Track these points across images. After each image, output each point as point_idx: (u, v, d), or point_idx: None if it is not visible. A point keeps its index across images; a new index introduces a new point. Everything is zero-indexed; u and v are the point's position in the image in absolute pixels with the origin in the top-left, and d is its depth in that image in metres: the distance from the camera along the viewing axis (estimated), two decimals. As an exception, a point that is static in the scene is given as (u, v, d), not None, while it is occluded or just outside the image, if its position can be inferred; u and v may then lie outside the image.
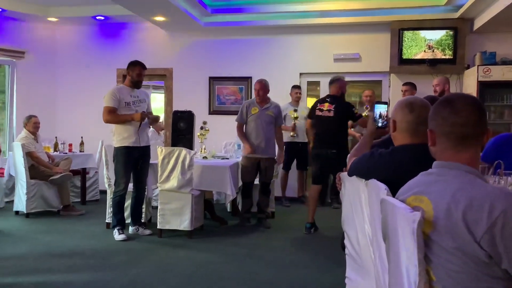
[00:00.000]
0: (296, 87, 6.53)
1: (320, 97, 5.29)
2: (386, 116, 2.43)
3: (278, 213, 5.67)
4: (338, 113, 4.74)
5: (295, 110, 6.28)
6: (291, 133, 6.23)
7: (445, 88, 5.13)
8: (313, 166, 5.04)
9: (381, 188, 1.72)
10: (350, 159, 2.30)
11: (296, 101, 6.48)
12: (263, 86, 5.08)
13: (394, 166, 1.83)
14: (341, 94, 4.92)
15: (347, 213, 2.43)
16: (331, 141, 4.72)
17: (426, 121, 1.49)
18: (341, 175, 2.45)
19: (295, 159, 6.53)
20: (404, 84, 5.78)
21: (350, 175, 2.16)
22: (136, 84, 4.59)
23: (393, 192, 1.66)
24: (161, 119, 8.15)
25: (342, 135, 4.83)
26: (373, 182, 1.86)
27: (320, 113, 4.83)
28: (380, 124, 2.41)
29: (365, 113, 5.61)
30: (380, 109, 2.44)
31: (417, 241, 1.25)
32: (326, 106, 4.82)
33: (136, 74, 4.55)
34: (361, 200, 2.10)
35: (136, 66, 4.56)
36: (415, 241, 1.26)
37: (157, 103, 10.56)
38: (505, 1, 5.04)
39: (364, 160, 2.00)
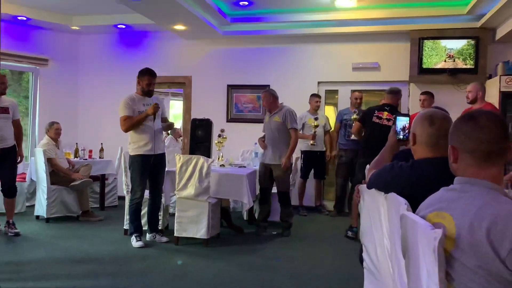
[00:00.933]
0: (316, 96, 6.51)
1: (376, 105, 5.20)
2: (408, 129, 2.40)
3: (295, 222, 5.63)
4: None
5: (316, 118, 6.26)
6: (311, 142, 6.20)
7: (478, 95, 4.73)
8: (359, 175, 4.77)
9: (401, 203, 1.70)
10: (369, 171, 2.27)
11: (315, 109, 6.45)
12: (265, 96, 5.14)
13: (415, 180, 1.80)
14: (396, 106, 4.95)
15: (365, 226, 2.40)
16: None
17: (447, 134, 1.47)
18: (360, 187, 2.43)
19: (312, 168, 6.49)
20: (422, 93, 5.68)
21: (369, 187, 2.13)
22: (147, 93, 4.59)
23: (413, 206, 1.63)
24: (179, 125, 8.25)
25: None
26: (393, 196, 1.83)
27: (378, 121, 4.77)
28: (401, 137, 2.36)
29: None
30: (402, 121, 2.40)
31: (438, 259, 1.23)
32: (385, 114, 4.77)
33: (146, 84, 4.54)
34: (380, 214, 2.07)
35: (145, 76, 4.54)
36: (436, 259, 1.24)
37: (175, 109, 10.70)
38: (529, 11, 4.97)
39: (384, 173, 1.97)
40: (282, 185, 5.08)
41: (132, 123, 4.44)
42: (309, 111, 6.47)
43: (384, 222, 2.01)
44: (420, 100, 5.65)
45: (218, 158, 5.59)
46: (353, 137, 5.92)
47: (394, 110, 4.84)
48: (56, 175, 5.59)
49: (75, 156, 6.39)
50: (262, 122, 5.46)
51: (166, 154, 5.60)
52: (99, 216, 5.77)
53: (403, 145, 2.61)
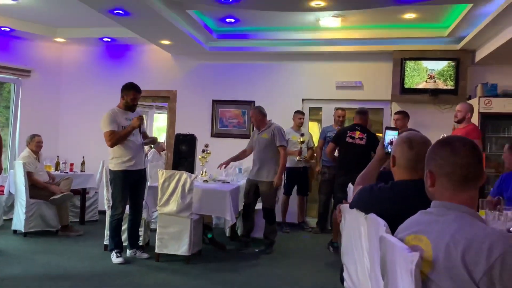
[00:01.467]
0: (299, 113, 6.57)
1: (348, 125, 5.51)
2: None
3: (278, 239, 5.61)
4: (369, 142, 4.94)
5: (302, 135, 6.31)
6: (297, 158, 6.24)
7: (467, 117, 4.81)
8: (338, 194, 4.98)
9: (380, 224, 1.72)
10: (356, 186, 2.30)
11: (299, 126, 6.50)
12: (254, 113, 5.19)
13: (394, 202, 1.83)
14: (365, 125, 5.20)
15: (346, 245, 2.42)
16: (362, 169, 4.71)
17: (424, 158, 1.50)
18: (341, 207, 2.45)
19: (295, 185, 6.51)
20: (396, 113, 5.61)
21: (351, 207, 2.16)
22: (130, 108, 4.56)
23: (392, 227, 1.66)
24: (163, 139, 8.21)
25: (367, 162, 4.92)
26: (373, 217, 1.86)
27: (351, 141, 5.00)
28: (389, 150, 2.36)
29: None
30: (390, 135, 2.44)
31: (415, 281, 1.25)
32: (357, 134, 5.02)
33: (131, 99, 4.52)
34: (360, 234, 2.10)
35: (131, 91, 4.52)
36: (413, 281, 1.26)
37: (159, 122, 10.67)
38: (507, 35, 5.12)
39: (365, 194, 2.00)
40: (267, 201, 5.09)
41: (119, 137, 4.39)
42: (293, 128, 6.51)
43: (364, 242, 2.03)
44: (393, 119, 5.67)
45: (202, 174, 5.57)
46: (336, 153, 5.99)
47: (365, 129, 5.08)
48: (36, 188, 5.49)
49: (56, 169, 6.30)
50: (247, 138, 5.49)
51: (149, 168, 5.58)
52: (78, 231, 5.66)
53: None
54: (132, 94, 4.52)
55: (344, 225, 2.42)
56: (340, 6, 4.91)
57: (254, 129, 5.32)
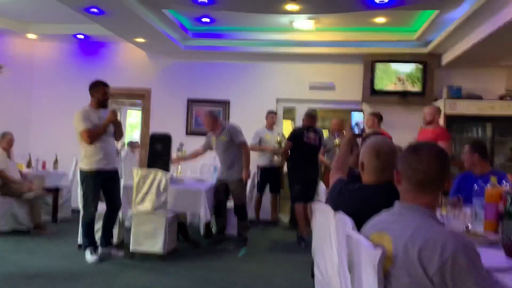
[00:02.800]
0: (272, 112, 6.69)
1: (300, 125, 5.92)
2: (362, 124, 2.59)
3: (251, 236, 5.72)
4: (320, 142, 5.66)
5: (279, 134, 6.45)
6: (275, 158, 6.37)
7: (435, 119, 5.09)
8: (296, 186, 5.53)
9: (347, 223, 1.85)
10: (333, 172, 2.45)
11: (271, 125, 6.62)
12: (205, 119, 5.29)
13: (360, 202, 1.97)
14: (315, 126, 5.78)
15: (317, 242, 2.54)
16: (315, 164, 5.64)
17: (391, 166, 1.65)
18: (312, 206, 2.57)
19: (268, 183, 6.64)
20: (368, 114, 5.80)
21: (326, 201, 2.28)
22: (102, 104, 4.53)
23: (358, 224, 1.79)
24: (136, 137, 8.18)
25: (318, 159, 5.77)
26: (341, 215, 1.98)
27: (307, 140, 5.54)
28: (357, 132, 2.56)
29: (336, 141, 5.84)
30: (356, 117, 2.59)
31: (378, 276, 1.39)
32: (311, 135, 5.57)
33: (102, 94, 4.49)
34: (330, 231, 2.22)
35: (99, 86, 4.50)
36: (376, 276, 1.39)
37: (132, 118, 10.60)
38: (471, 40, 5.37)
39: (334, 195, 2.13)
40: (238, 198, 5.25)
41: (97, 133, 4.36)
42: (266, 127, 6.63)
43: (333, 238, 2.16)
44: (365, 120, 5.87)
45: (176, 172, 5.63)
46: None
47: (316, 130, 5.68)
48: (7, 186, 5.42)
49: (28, 167, 6.23)
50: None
51: (123, 167, 5.59)
52: (51, 230, 5.62)
53: (358, 138, 2.81)
54: (101, 89, 4.50)
55: (315, 223, 2.54)
56: (313, 10, 5.05)
57: (209, 134, 5.39)
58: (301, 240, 5.41)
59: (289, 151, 5.61)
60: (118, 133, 4.66)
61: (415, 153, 1.53)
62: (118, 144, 6.05)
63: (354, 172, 2.86)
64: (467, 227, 2.54)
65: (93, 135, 4.36)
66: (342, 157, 2.49)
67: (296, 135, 5.62)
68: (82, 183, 4.52)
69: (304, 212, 5.39)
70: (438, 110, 5.16)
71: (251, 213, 6.23)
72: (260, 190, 6.59)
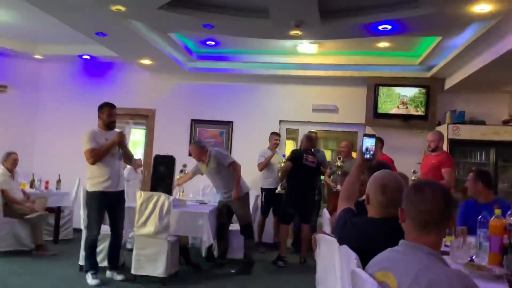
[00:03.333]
0: (275, 134, 6.69)
1: (300, 147, 6.01)
2: (372, 150, 2.49)
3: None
4: (317, 164, 5.78)
5: (284, 156, 6.43)
6: (280, 187, 6.29)
7: (439, 145, 5.09)
8: (288, 209, 5.75)
9: (352, 258, 1.84)
10: (340, 203, 2.35)
11: (274, 147, 6.63)
12: (193, 150, 5.29)
13: (365, 237, 1.96)
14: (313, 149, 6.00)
15: (321, 272, 2.53)
16: (312, 186, 5.83)
17: (397, 203, 1.64)
18: (317, 237, 2.56)
19: (272, 206, 6.61)
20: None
21: (332, 232, 2.26)
22: (109, 126, 4.56)
23: (363, 259, 1.79)
24: (139, 155, 8.18)
25: (316, 181, 5.97)
26: (345, 249, 1.98)
27: (306, 162, 5.68)
28: (368, 156, 2.46)
29: (338, 163, 5.83)
30: (367, 142, 2.50)
31: (383, 316, 1.38)
32: (310, 157, 5.71)
33: (107, 115, 4.52)
34: (335, 263, 2.21)
35: (104, 108, 4.54)
36: (380, 316, 1.38)
37: (136, 136, 10.63)
38: (474, 66, 5.42)
39: (339, 227, 2.12)
40: (242, 218, 5.23)
41: (99, 153, 4.38)
42: (269, 148, 6.63)
43: (338, 272, 2.15)
44: None
45: (179, 194, 5.63)
46: None
47: (313, 153, 5.88)
48: (10, 207, 5.42)
49: (31, 187, 6.23)
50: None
51: (126, 187, 5.58)
52: (53, 251, 5.59)
53: (368, 163, 2.74)
54: (106, 111, 4.53)
55: (319, 254, 2.53)
56: (316, 36, 5.12)
57: (197, 164, 5.40)
58: (279, 259, 5.62)
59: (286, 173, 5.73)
60: (126, 156, 4.63)
61: (419, 193, 1.53)
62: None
63: (358, 200, 2.85)
64: (471, 259, 2.52)
65: (95, 156, 4.37)
66: (351, 184, 2.39)
67: (296, 156, 5.72)
68: (86, 204, 4.54)
69: (309, 236, 5.38)
70: (441, 136, 5.16)
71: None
72: (264, 213, 6.55)
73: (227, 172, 5.18)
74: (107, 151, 4.42)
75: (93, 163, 4.40)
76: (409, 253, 1.49)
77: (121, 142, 4.51)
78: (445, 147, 5.93)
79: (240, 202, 5.18)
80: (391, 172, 2.17)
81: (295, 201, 5.68)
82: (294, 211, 5.76)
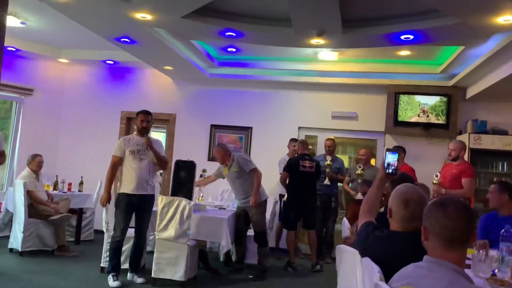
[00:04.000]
0: (294, 140, 6.70)
1: (300, 154, 5.94)
2: (394, 165, 2.47)
3: (270, 265, 5.71)
4: (317, 169, 5.80)
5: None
6: None
7: (461, 155, 5.04)
8: (291, 215, 5.79)
9: (375, 271, 1.86)
10: (361, 214, 2.37)
11: (293, 153, 6.64)
12: (218, 152, 5.35)
13: (388, 250, 1.98)
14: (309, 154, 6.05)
15: (342, 284, 2.55)
16: (313, 192, 5.84)
17: (420, 217, 1.66)
18: (338, 247, 2.58)
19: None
20: (393, 147, 5.84)
21: (354, 246, 2.28)
22: (141, 131, 4.73)
23: (386, 272, 1.80)
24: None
25: (316, 186, 5.94)
26: (367, 261, 2.00)
27: (303, 169, 5.71)
28: (390, 171, 2.45)
29: (358, 171, 5.83)
30: (389, 158, 2.49)
31: (407, 331, 1.40)
32: (307, 163, 5.74)
33: (139, 121, 4.72)
34: (356, 274, 2.23)
35: (138, 115, 4.77)
36: (405, 332, 1.41)
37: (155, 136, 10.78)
38: (496, 76, 5.37)
39: (362, 239, 2.14)
40: (257, 225, 5.26)
41: (108, 175, 4.68)
42: (288, 155, 6.66)
43: (359, 284, 2.17)
44: None
45: (198, 199, 5.70)
46: (326, 182, 6.20)
47: (312, 158, 5.94)
48: (34, 208, 5.56)
49: (54, 189, 6.37)
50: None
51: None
52: (74, 251, 5.72)
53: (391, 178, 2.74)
54: (140, 117, 4.74)
55: (340, 266, 2.55)
56: (338, 44, 5.13)
57: (220, 165, 5.46)
58: (289, 266, 5.72)
59: (286, 181, 5.79)
60: (159, 161, 4.77)
61: (443, 210, 1.55)
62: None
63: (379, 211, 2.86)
64: (493, 273, 2.51)
65: (110, 167, 4.69)
66: (372, 198, 2.40)
67: (291, 165, 5.77)
68: (115, 204, 4.70)
69: (316, 241, 5.86)
70: (463, 146, 5.12)
71: (271, 242, 6.28)
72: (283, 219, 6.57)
73: (248, 177, 5.23)
74: (109, 179, 4.66)
75: (109, 169, 4.68)
76: (434, 269, 1.50)
77: (149, 146, 4.64)
78: (466, 156, 5.85)
79: (257, 209, 5.21)
80: (413, 185, 2.18)
81: (295, 207, 5.73)
82: (295, 217, 5.81)
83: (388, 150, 2.56)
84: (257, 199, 5.18)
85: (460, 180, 5.01)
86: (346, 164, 7.08)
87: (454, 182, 4.98)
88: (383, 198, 2.63)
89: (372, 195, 2.44)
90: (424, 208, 1.68)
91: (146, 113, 4.78)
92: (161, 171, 7.54)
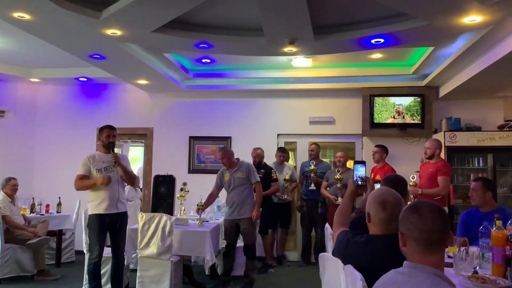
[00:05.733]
0: (280, 150, 6.70)
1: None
2: (364, 177, 2.59)
3: (259, 274, 5.67)
4: (266, 175, 6.13)
5: (287, 173, 6.44)
6: (285, 196, 6.38)
7: (436, 153, 5.16)
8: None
9: (357, 278, 1.86)
10: (335, 226, 2.41)
11: (280, 163, 6.64)
12: (224, 154, 5.23)
13: (369, 255, 1.98)
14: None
15: (326, 292, 2.54)
16: (266, 198, 6.01)
17: (397, 218, 1.66)
18: (321, 256, 2.57)
19: (279, 218, 6.61)
20: (376, 146, 6.07)
21: (333, 254, 2.27)
22: (108, 147, 4.53)
23: (368, 278, 1.80)
24: (137, 171, 8.15)
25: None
26: (350, 269, 2.00)
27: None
28: (360, 183, 2.54)
29: (337, 175, 5.86)
30: (358, 170, 2.59)
31: None
32: (260, 171, 6.03)
33: (105, 137, 4.51)
34: (340, 283, 2.22)
35: (103, 130, 4.55)
36: None
37: (133, 153, 10.63)
38: (467, 74, 5.49)
39: (342, 246, 2.14)
40: (248, 238, 5.17)
41: (81, 186, 4.40)
42: (275, 163, 6.64)
43: (343, 289, 2.16)
44: (372, 151, 6.06)
45: (180, 212, 5.63)
46: (312, 187, 6.21)
47: (261, 165, 6.25)
48: (11, 233, 5.40)
49: (31, 212, 6.22)
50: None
51: (127, 207, 5.56)
52: (55, 275, 5.57)
53: (363, 191, 2.80)
54: (105, 132, 4.53)
55: (324, 273, 2.54)
56: (310, 51, 5.16)
57: (222, 169, 5.35)
58: (268, 267, 6.10)
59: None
60: (127, 177, 4.56)
61: (418, 214, 1.56)
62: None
63: (362, 213, 2.87)
64: (475, 270, 2.54)
65: (78, 185, 4.39)
66: (345, 210, 2.44)
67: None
68: (87, 226, 4.54)
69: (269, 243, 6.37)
70: (438, 144, 5.23)
71: (260, 251, 6.32)
72: (272, 226, 6.54)
73: (247, 188, 5.18)
74: (87, 186, 4.40)
75: (76, 189, 4.43)
76: (414, 274, 1.50)
77: (117, 163, 4.46)
78: (442, 154, 5.97)
79: (250, 221, 5.13)
80: (388, 188, 2.21)
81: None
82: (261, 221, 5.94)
83: (356, 162, 2.64)
84: (258, 213, 5.14)
85: (436, 178, 5.11)
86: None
87: (432, 181, 5.08)
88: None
89: (344, 206, 2.49)
90: (401, 209, 1.70)
91: (111, 128, 4.58)
92: (141, 186, 7.46)
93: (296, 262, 6.60)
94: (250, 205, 5.17)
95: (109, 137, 4.53)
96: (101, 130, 4.61)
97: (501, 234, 2.52)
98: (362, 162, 2.62)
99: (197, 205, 5.14)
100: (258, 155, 6.36)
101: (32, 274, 5.50)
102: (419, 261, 1.53)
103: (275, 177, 6.24)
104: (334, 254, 2.26)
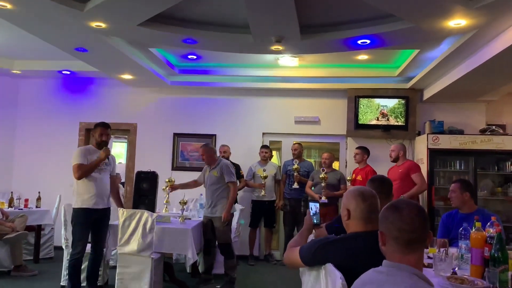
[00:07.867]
0: (263, 147, 6.72)
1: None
2: (317, 214, 2.73)
3: (242, 272, 5.65)
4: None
5: (264, 170, 6.45)
6: (262, 193, 6.37)
7: (400, 155, 5.64)
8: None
9: (337, 276, 1.86)
10: (290, 250, 2.40)
11: (264, 160, 6.64)
12: (206, 151, 5.20)
13: (347, 254, 1.98)
14: None
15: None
16: None
17: (377, 209, 1.68)
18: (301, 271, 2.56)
19: (262, 217, 6.62)
20: (357, 148, 6.21)
21: (307, 264, 2.24)
22: (100, 145, 4.56)
23: (349, 276, 1.80)
24: (121, 170, 8.06)
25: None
26: (330, 267, 1.99)
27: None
28: (315, 221, 2.70)
29: (322, 175, 5.87)
30: (313, 208, 2.75)
31: None
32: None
33: (98, 135, 4.54)
34: (320, 282, 2.21)
35: (97, 128, 4.58)
36: None
37: (117, 148, 10.51)
38: (450, 78, 5.55)
39: (318, 248, 2.11)
40: (222, 237, 5.11)
41: (86, 169, 4.38)
42: (259, 162, 6.65)
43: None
44: (354, 153, 6.23)
45: (164, 209, 5.55)
46: (295, 185, 6.23)
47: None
48: (-12, 227, 5.29)
49: (10, 206, 6.09)
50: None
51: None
52: (33, 271, 5.47)
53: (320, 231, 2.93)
54: (98, 130, 4.56)
55: (304, 272, 2.53)
56: (297, 50, 5.15)
57: (205, 167, 5.32)
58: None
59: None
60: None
61: (398, 213, 1.56)
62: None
63: (333, 225, 2.92)
64: (454, 271, 2.56)
65: (81, 171, 4.37)
66: (299, 243, 2.47)
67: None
68: (71, 221, 4.47)
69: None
70: (402, 147, 5.73)
71: (244, 249, 6.38)
72: (253, 225, 6.56)
73: (222, 188, 5.11)
74: (93, 168, 4.42)
75: (79, 177, 4.39)
76: (393, 274, 1.50)
77: (108, 158, 4.49)
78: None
79: (221, 220, 5.07)
80: (360, 186, 2.26)
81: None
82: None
83: (310, 201, 2.80)
84: (228, 214, 5.04)
85: (409, 178, 5.46)
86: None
87: (404, 181, 5.44)
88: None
89: (299, 239, 2.55)
90: (378, 202, 1.71)
91: (105, 126, 4.59)
92: (123, 181, 7.36)
93: (279, 261, 6.60)
94: (222, 205, 5.09)
95: (102, 136, 4.56)
96: (94, 127, 4.63)
97: (480, 235, 2.54)
98: (316, 201, 2.82)
99: (180, 202, 5.09)
100: (225, 151, 6.47)
101: (9, 270, 5.40)
102: (398, 261, 1.53)
103: (242, 173, 6.54)
104: (306, 262, 2.21)
